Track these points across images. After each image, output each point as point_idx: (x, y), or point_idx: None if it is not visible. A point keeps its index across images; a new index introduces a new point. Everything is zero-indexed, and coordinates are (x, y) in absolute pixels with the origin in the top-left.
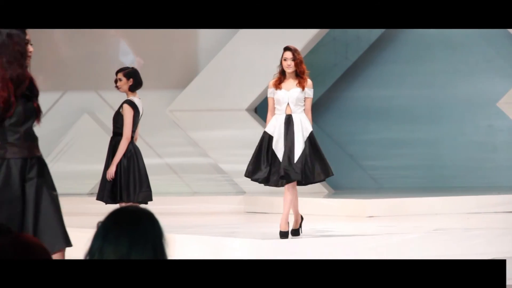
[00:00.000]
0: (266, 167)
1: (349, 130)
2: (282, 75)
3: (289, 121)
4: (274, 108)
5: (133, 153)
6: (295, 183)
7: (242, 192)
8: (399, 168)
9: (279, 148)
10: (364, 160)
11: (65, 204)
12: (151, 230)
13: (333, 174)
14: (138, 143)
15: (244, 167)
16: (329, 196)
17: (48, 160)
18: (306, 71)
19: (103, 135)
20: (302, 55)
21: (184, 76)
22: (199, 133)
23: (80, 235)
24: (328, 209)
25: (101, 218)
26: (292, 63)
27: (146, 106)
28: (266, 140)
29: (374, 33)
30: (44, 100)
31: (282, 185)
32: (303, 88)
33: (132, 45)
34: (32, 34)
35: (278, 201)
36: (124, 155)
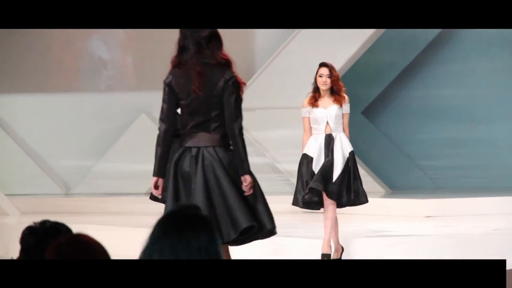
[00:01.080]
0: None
1: (406, 130)
2: (316, 93)
3: (329, 141)
4: (311, 128)
5: None
6: (334, 207)
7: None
8: (456, 168)
9: (317, 168)
10: (421, 160)
11: (121, 203)
12: (204, 234)
13: (366, 201)
14: None
15: None
16: (386, 196)
17: (105, 160)
18: (343, 88)
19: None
20: (359, 54)
21: (240, 75)
22: (255, 133)
23: (137, 235)
24: (385, 209)
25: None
26: (328, 80)
27: None
28: (306, 164)
29: (431, 33)
30: (102, 100)
31: (317, 206)
32: (340, 105)
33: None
34: (101, 34)
35: None
36: None
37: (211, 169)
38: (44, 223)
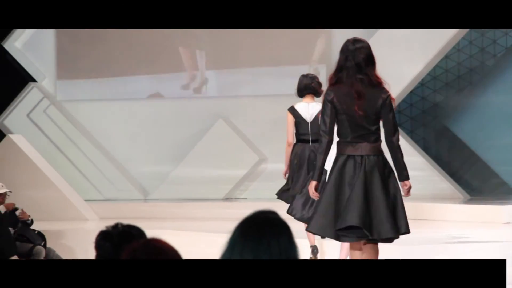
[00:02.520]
0: None
1: (485, 136)
2: None
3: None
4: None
5: (294, 157)
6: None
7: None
8: None
9: None
10: (500, 166)
11: (199, 209)
12: (284, 237)
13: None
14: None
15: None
16: (465, 202)
17: (183, 165)
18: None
19: (237, 140)
20: (437, 59)
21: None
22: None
23: (214, 240)
24: (464, 215)
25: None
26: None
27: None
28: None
29: (510, 37)
30: (180, 106)
31: None
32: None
33: (267, 47)
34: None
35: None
36: (290, 159)
37: (371, 174)
38: (116, 226)
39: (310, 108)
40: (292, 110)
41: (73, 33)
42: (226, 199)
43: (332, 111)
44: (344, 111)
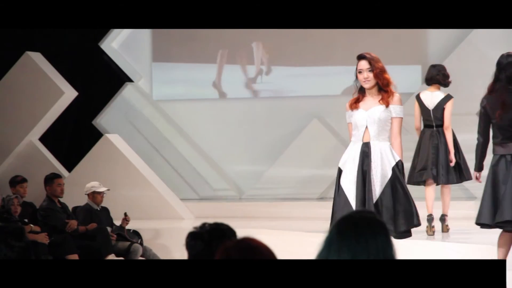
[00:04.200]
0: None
1: None
2: (360, 93)
3: (365, 152)
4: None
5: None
6: None
7: (472, 198)
8: None
9: (348, 188)
10: None
11: (293, 208)
12: (382, 236)
13: (418, 224)
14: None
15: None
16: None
17: (277, 164)
18: (392, 82)
19: (332, 139)
20: None
21: (413, 78)
22: None
23: (309, 240)
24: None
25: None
26: (370, 75)
27: None
28: (337, 177)
29: None
30: (274, 105)
31: None
32: (387, 104)
33: (362, 47)
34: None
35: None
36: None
37: None
38: (204, 226)
39: (433, 97)
40: (417, 98)
41: (169, 33)
42: (321, 198)
43: (486, 116)
44: (493, 116)
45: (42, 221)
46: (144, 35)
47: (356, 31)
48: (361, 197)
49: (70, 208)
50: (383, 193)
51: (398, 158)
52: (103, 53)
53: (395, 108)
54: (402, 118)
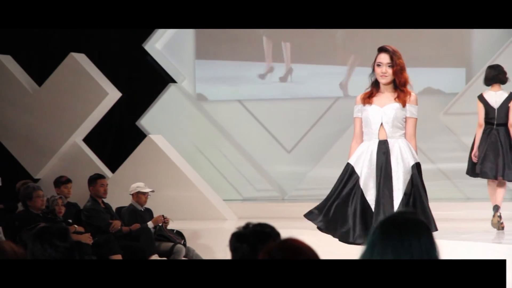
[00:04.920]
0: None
1: None
2: (374, 87)
3: (383, 150)
4: (362, 132)
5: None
6: None
7: None
8: None
9: (370, 193)
10: None
11: None
12: (425, 238)
13: (436, 229)
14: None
15: None
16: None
17: (320, 165)
18: (409, 82)
19: None
20: None
21: (456, 79)
22: (472, 138)
23: None
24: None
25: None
26: (390, 71)
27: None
28: (347, 174)
29: None
30: (316, 106)
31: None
32: (404, 104)
33: (403, 46)
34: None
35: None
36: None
37: None
38: (248, 226)
39: (497, 96)
40: (481, 98)
41: (212, 34)
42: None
43: None
44: None
45: (86, 222)
46: (188, 36)
47: (400, 32)
48: (384, 197)
49: (113, 208)
50: (404, 197)
51: (417, 159)
52: (146, 54)
53: (411, 108)
54: (417, 118)
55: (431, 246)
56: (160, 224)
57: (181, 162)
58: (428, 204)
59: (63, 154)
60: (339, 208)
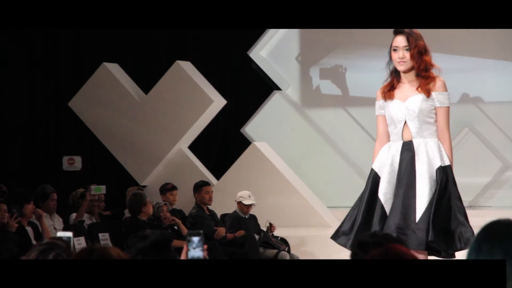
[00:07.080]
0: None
1: None
2: (395, 77)
3: (407, 153)
4: (387, 132)
5: None
6: (425, 256)
7: None
8: None
9: (388, 197)
10: None
11: None
12: None
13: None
14: None
15: None
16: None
17: None
18: (433, 65)
19: (483, 148)
20: None
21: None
22: None
23: None
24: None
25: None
26: (407, 55)
27: None
28: (371, 180)
29: None
30: None
31: None
32: (427, 93)
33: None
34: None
35: None
36: None
37: None
38: (374, 235)
39: None
40: None
41: (316, 40)
42: (470, 206)
43: None
44: None
45: (191, 228)
46: (292, 43)
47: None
48: (403, 211)
49: (218, 215)
50: (430, 203)
51: (446, 161)
52: (251, 61)
53: (439, 96)
54: (448, 107)
55: None
56: (265, 230)
57: (285, 169)
58: (462, 214)
59: (169, 161)
60: (361, 230)
